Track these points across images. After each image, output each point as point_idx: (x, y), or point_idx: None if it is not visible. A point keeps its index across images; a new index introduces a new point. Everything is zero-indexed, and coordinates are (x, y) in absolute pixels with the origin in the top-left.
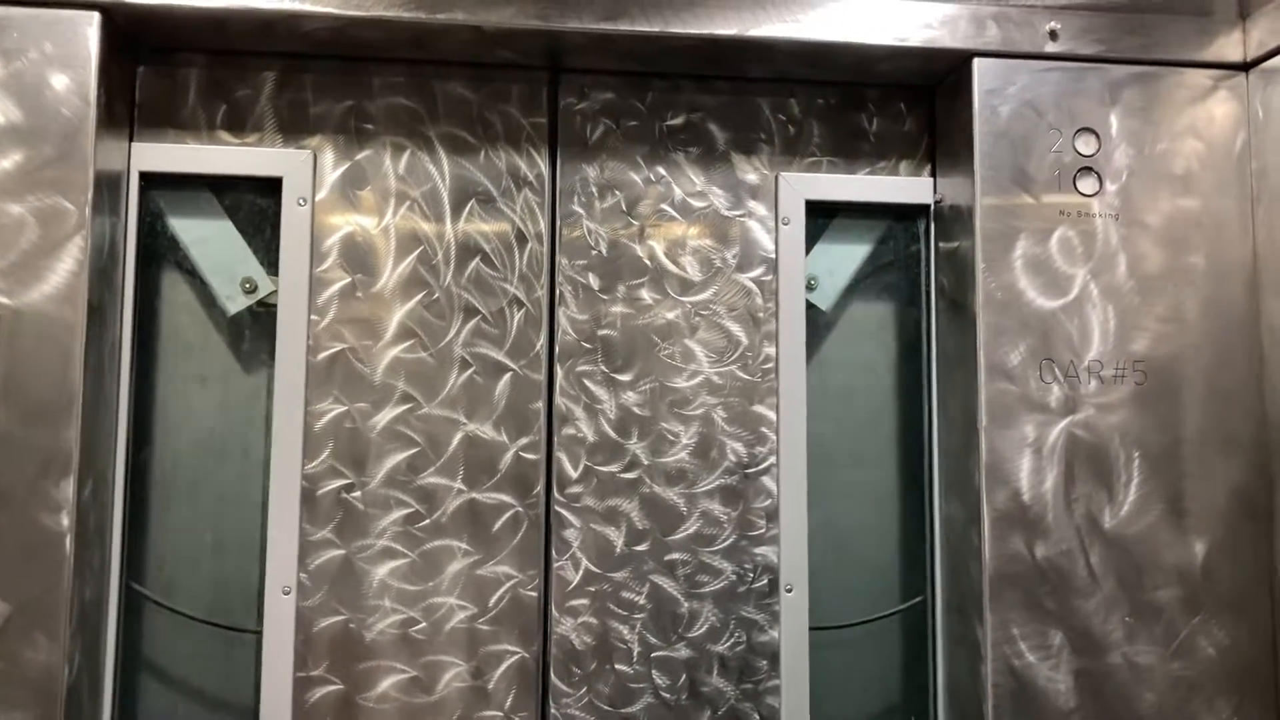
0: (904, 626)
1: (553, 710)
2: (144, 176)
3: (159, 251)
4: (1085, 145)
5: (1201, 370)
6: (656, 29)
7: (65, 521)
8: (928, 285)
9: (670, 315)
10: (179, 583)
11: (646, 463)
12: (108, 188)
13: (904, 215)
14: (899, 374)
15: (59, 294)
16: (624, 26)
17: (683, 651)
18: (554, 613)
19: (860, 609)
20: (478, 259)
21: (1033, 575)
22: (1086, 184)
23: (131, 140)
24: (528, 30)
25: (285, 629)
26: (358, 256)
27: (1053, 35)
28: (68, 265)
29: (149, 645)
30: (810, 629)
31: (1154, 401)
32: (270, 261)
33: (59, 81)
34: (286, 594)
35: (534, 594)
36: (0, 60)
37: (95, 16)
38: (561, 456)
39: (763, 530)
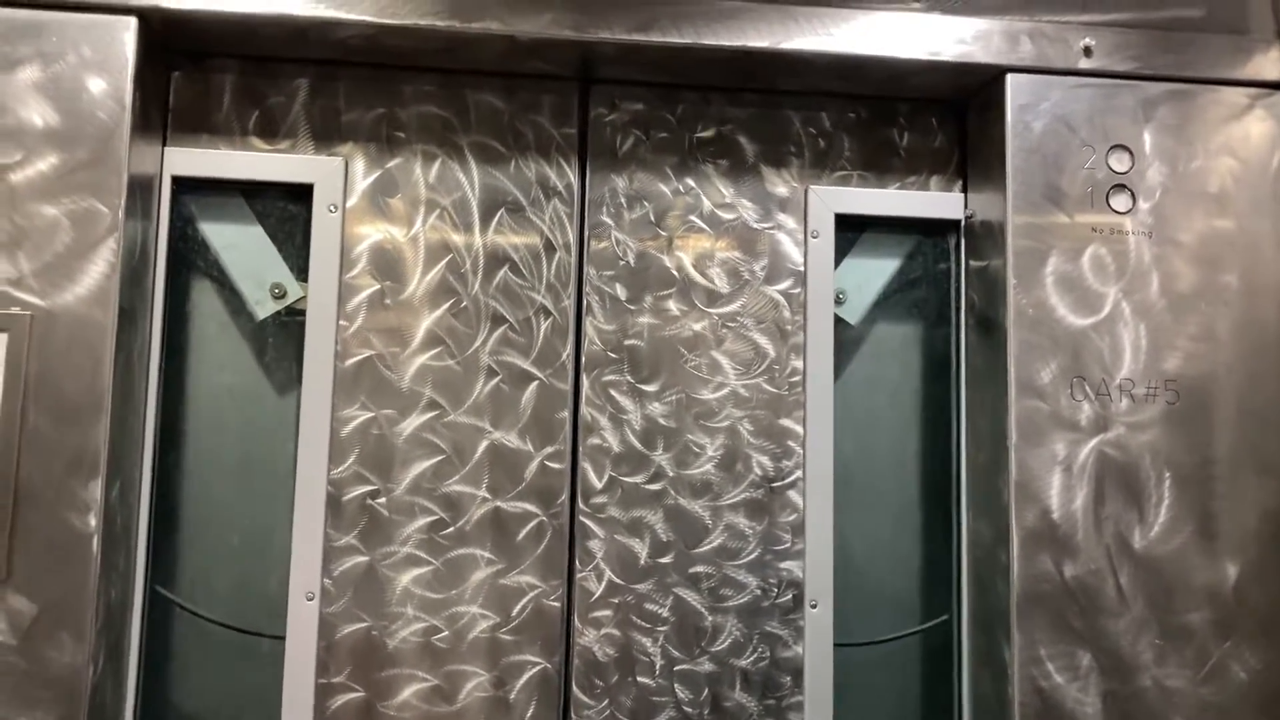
0: (929, 644)
1: None
2: (176, 181)
3: (189, 256)
4: (1118, 162)
5: (1234, 390)
6: (688, 40)
7: (93, 522)
8: (957, 301)
9: (697, 327)
10: (203, 586)
11: (671, 474)
12: (140, 191)
13: (934, 230)
14: (927, 389)
15: (91, 296)
16: (655, 38)
17: (706, 665)
18: (577, 624)
19: (885, 626)
20: (506, 268)
21: (1061, 595)
22: (1119, 201)
23: (165, 145)
24: (560, 40)
25: (308, 635)
26: (387, 264)
27: (1087, 51)
28: (100, 268)
29: (172, 648)
30: (835, 645)
31: (1186, 421)
32: (300, 267)
33: (95, 85)
34: (310, 600)
35: (557, 604)
36: (38, 63)
37: (132, 22)
38: (586, 466)
39: (788, 545)
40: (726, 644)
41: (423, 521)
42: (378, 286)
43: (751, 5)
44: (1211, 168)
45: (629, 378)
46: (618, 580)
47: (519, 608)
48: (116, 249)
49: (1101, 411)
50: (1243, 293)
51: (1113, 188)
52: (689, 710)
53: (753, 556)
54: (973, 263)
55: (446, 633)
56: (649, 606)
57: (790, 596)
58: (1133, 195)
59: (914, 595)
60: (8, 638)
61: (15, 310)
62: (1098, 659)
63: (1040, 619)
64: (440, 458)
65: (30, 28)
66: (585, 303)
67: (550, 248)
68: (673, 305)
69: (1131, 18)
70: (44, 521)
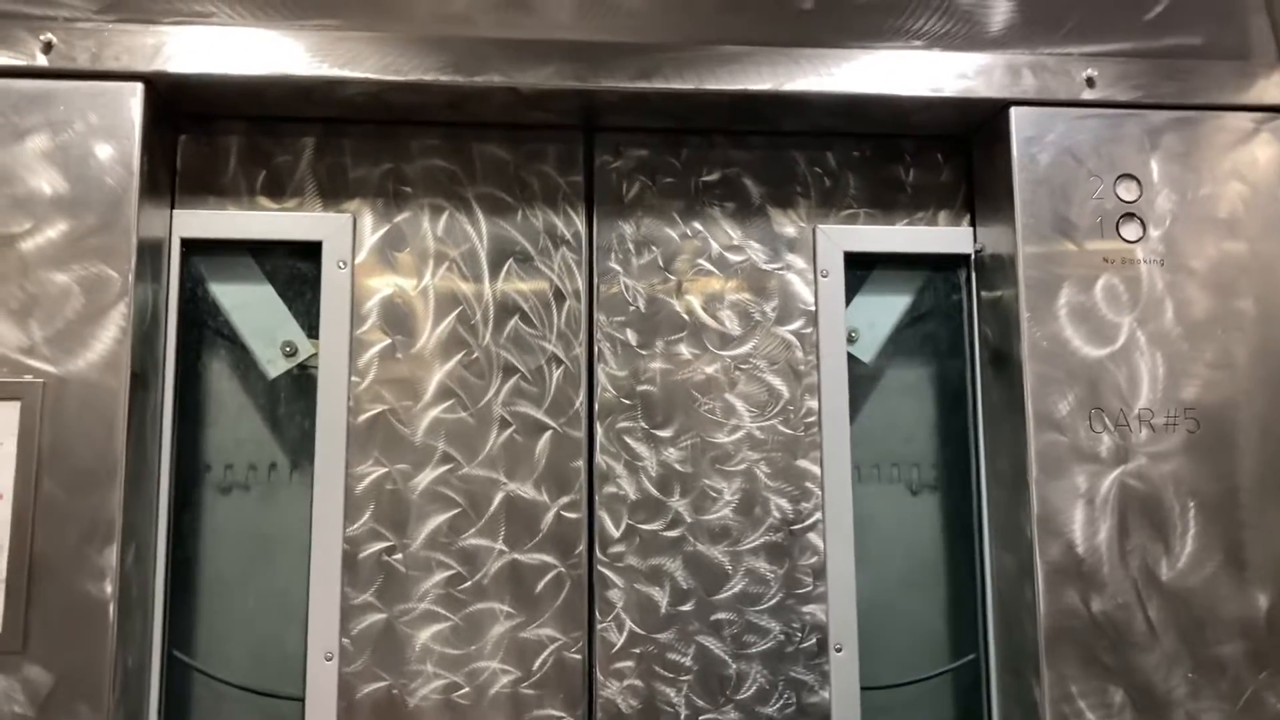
0: (957, 685)
1: None
2: (185, 243)
3: (200, 317)
4: (1127, 191)
5: (1256, 416)
6: (690, 86)
7: (109, 589)
8: (971, 335)
9: (710, 370)
10: (220, 649)
11: (689, 520)
12: (150, 255)
13: (944, 265)
14: (944, 425)
15: (102, 361)
16: (658, 84)
17: (731, 714)
18: (599, 675)
19: (912, 668)
20: (516, 317)
21: (1090, 630)
22: (1129, 230)
23: (173, 207)
24: (563, 90)
25: (328, 695)
26: (397, 318)
27: (1089, 82)
28: (111, 333)
29: (191, 713)
30: (861, 689)
31: (1208, 449)
32: (310, 324)
33: (103, 151)
34: (329, 660)
35: (578, 656)
36: (47, 132)
37: (139, 87)
38: (603, 515)
39: (810, 588)
40: (752, 691)
41: (440, 576)
42: (389, 341)
43: (752, 49)
44: (1220, 193)
45: (643, 424)
46: (639, 630)
47: (540, 661)
48: (127, 313)
49: (1121, 442)
50: (1258, 318)
51: (1122, 217)
52: None
53: (775, 601)
54: (984, 296)
55: (467, 689)
56: (671, 656)
57: (814, 641)
58: (1142, 223)
59: (940, 635)
60: (25, 709)
61: (28, 378)
62: (1130, 695)
63: (1069, 655)
64: (456, 511)
65: (39, 97)
66: (597, 350)
67: (560, 296)
68: (684, 349)
69: (1133, 47)
70: (60, 590)
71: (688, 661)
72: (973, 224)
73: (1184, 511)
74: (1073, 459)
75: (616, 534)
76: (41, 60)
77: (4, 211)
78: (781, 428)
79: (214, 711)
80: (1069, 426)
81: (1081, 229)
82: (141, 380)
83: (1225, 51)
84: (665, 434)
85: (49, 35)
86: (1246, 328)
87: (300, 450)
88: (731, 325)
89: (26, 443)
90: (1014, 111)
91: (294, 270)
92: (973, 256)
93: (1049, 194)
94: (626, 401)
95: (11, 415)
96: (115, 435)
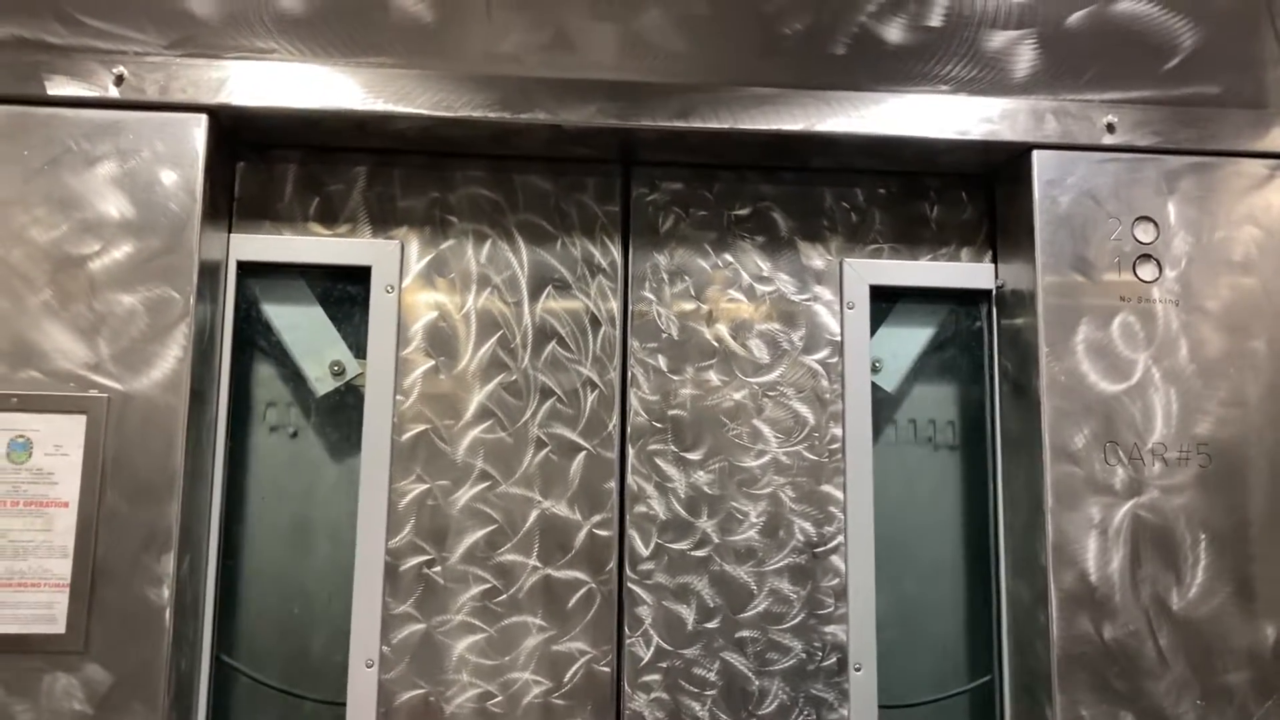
0: (972, 706)
1: None
2: (241, 266)
3: (253, 336)
4: (1144, 233)
5: (1266, 453)
6: (725, 125)
7: (166, 595)
8: (991, 368)
9: (738, 396)
10: (266, 655)
11: (717, 541)
12: (209, 277)
13: (966, 300)
14: (963, 454)
15: (165, 379)
16: (694, 124)
17: None
18: (627, 688)
19: (928, 688)
20: (554, 342)
21: (1101, 656)
22: (1146, 270)
23: (230, 232)
24: (604, 128)
25: (368, 701)
26: (441, 340)
27: (1110, 128)
28: (173, 351)
29: (238, 716)
30: (880, 707)
31: (1219, 484)
32: (357, 345)
33: (167, 178)
34: (370, 667)
35: (607, 669)
36: (116, 160)
37: (203, 119)
38: (633, 534)
39: (831, 609)
40: (773, 707)
41: (476, 590)
42: (432, 362)
43: (785, 91)
44: (1235, 237)
45: (673, 447)
46: (666, 645)
47: (570, 673)
48: (188, 333)
49: (1135, 475)
50: (1271, 357)
51: (1139, 257)
52: None
53: (797, 621)
54: (1005, 330)
55: (501, 698)
56: (697, 671)
57: (834, 660)
58: (1159, 264)
59: (956, 657)
60: (85, 707)
61: (94, 393)
62: None
63: (1081, 680)
64: (493, 527)
65: (109, 127)
66: (630, 374)
67: (595, 322)
68: (714, 375)
69: (1152, 95)
70: (120, 595)
71: (712, 676)
72: (994, 260)
73: (1195, 543)
74: (1087, 490)
75: (646, 552)
76: (113, 92)
77: (74, 234)
78: (806, 453)
79: (259, 715)
80: (1084, 459)
81: (1100, 268)
82: (200, 397)
83: (1242, 100)
84: (694, 457)
85: (121, 68)
86: (1259, 366)
87: (345, 465)
88: (760, 353)
89: (91, 454)
90: (1036, 154)
91: (343, 293)
92: (994, 292)
93: (1069, 234)
94: (658, 425)
95: (78, 428)
96: (175, 449)
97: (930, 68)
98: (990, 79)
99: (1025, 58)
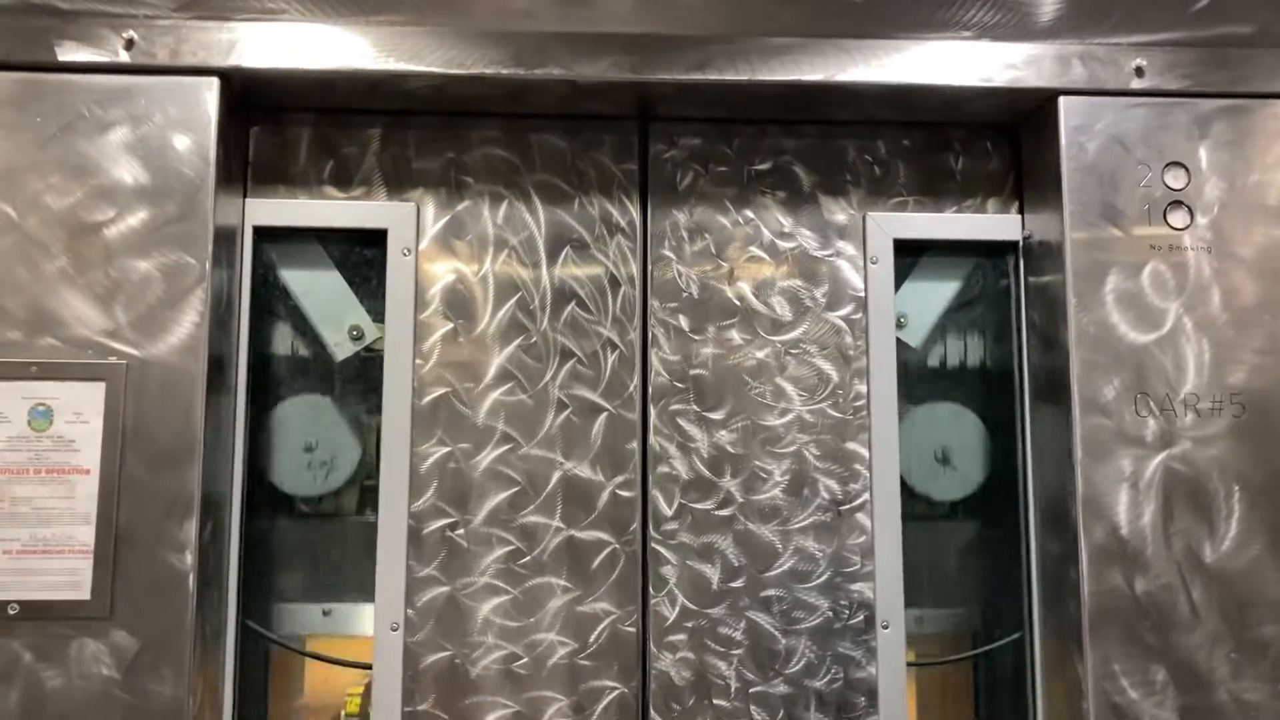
0: (1003, 662)
1: None
2: (257, 231)
3: (271, 302)
4: (1175, 179)
5: None
6: (744, 77)
7: (189, 560)
8: (1018, 320)
9: (761, 354)
10: (290, 619)
11: (740, 500)
12: (224, 242)
13: (992, 252)
14: (991, 409)
15: (182, 345)
16: (712, 76)
17: (780, 688)
18: (652, 648)
19: (958, 644)
20: (573, 303)
21: (1133, 610)
22: (1177, 218)
23: (245, 196)
24: (620, 83)
25: (394, 664)
26: (459, 303)
27: (1139, 72)
28: (190, 317)
29: (264, 680)
30: (908, 664)
31: (1253, 434)
32: (375, 309)
33: (180, 143)
34: (395, 630)
35: (632, 630)
36: (128, 125)
37: (215, 82)
38: (656, 494)
39: (858, 566)
40: (800, 666)
41: (500, 552)
42: (451, 325)
43: (804, 40)
44: (1269, 181)
45: (695, 406)
46: (691, 605)
47: (595, 634)
48: (205, 298)
49: (1167, 427)
50: None
51: (1170, 204)
52: None
53: (823, 579)
54: (1032, 282)
55: (526, 659)
56: (723, 630)
57: (862, 618)
58: (1190, 211)
59: (986, 613)
60: (113, 672)
61: (112, 360)
62: (1173, 674)
63: (1113, 634)
64: (515, 489)
65: (121, 92)
66: (650, 334)
67: (615, 282)
68: (736, 334)
69: (1182, 36)
70: (143, 561)
71: (738, 636)
72: (1021, 211)
73: (1228, 495)
74: (1118, 443)
75: (669, 512)
76: (124, 56)
77: (89, 201)
78: (831, 411)
79: (285, 680)
80: (1115, 411)
81: (1129, 216)
82: (218, 362)
83: (1276, 40)
84: (717, 416)
85: (131, 33)
86: None
87: (366, 429)
88: (782, 311)
89: (111, 422)
90: (1063, 101)
91: (360, 257)
92: (1021, 243)
93: (1097, 182)
94: (679, 385)
95: (97, 395)
96: (194, 415)
97: (952, 13)
98: (1014, 24)
99: (1050, 1)
